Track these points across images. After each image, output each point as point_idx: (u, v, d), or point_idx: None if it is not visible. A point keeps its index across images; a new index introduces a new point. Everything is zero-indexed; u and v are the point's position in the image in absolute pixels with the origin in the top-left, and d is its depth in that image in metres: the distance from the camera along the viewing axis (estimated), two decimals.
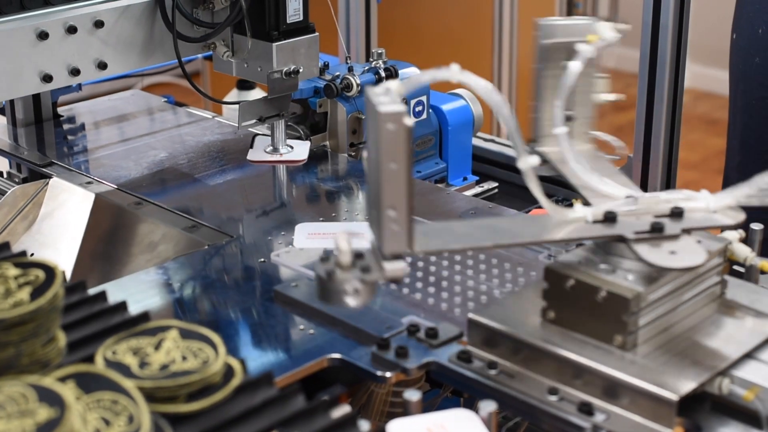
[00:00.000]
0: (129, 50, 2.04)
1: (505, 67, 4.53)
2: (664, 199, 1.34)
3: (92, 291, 1.29)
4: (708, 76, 6.26)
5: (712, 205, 1.32)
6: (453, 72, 1.28)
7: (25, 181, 2.17)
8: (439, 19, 4.63)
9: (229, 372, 1.12)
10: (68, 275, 1.81)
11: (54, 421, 0.92)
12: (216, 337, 1.15)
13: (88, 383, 1.04)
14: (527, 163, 1.30)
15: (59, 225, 1.90)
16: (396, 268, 1.23)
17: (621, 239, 1.33)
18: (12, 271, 1.15)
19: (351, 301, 1.24)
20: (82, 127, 2.32)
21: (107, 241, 1.86)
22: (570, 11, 5.43)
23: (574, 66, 1.35)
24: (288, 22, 2.06)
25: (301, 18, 2.09)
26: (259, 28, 2.06)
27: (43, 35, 1.90)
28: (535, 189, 1.31)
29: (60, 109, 2.36)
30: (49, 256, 1.84)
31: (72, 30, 1.94)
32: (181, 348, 1.13)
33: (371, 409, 1.58)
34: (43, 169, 2.06)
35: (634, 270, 1.32)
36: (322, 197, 2.00)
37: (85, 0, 2.00)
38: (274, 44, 2.05)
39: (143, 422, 1.00)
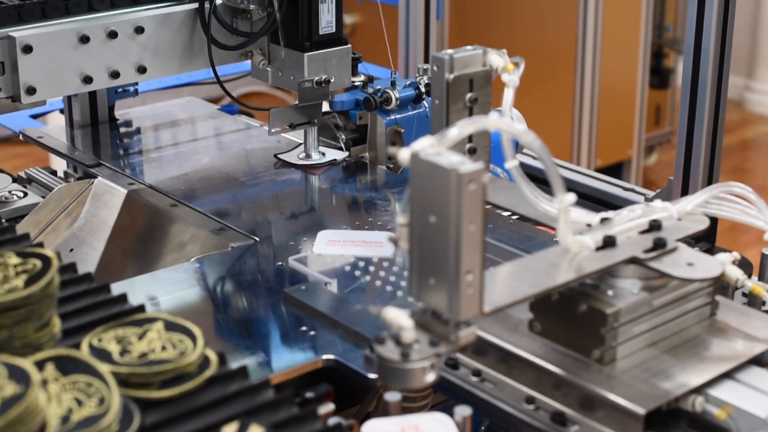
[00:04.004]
0: (168, 56, 2.13)
1: (587, 85, 4.55)
2: (635, 215, 1.37)
3: (101, 284, 1.37)
4: None
5: (675, 214, 1.35)
6: (491, 121, 1.26)
7: (79, 180, 2.28)
8: (517, 33, 4.66)
9: (205, 363, 1.18)
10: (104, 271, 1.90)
11: (17, 396, 0.99)
12: (198, 331, 1.21)
13: (67, 366, 1.11)
14: (566, 201, 1.29)
15: (100, 223, 1.99)
16: (469, 333, 1.20)
17: (634, 260, 1.35)
18: (13, 259, 1.23)
19: (431, 378, 1.20)
20: (137, 131, 2.42)
21: (141, 239, 1.95)
22: (660, 35, 5.43)
23: (508, 95, 1.40)
24: (320, 33, 2.14)
25: (334, 30, 2.16)
26: (293, 38, 2.15)
27: (84, 39, 2.00)
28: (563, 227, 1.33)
29: (117, 113, 2.46)
30: (87, 252, 1.94)
31: (113, 35, 2.04)
32: (163, 339, 1.20)
33: (379, 412, 1.63)
34: (91, 170, 2.16)
35: (618, 286, 1.35)
36: (354, 206, 2.06)
37: (127, 7, 2.10)
38: (306, 54, 2.13)
39: (112, 405, 1.07)
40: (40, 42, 1.95)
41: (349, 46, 2.18)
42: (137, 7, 2.10)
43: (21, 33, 1.93)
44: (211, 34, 2.13)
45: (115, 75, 2.05)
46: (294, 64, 2.14)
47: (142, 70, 2.08)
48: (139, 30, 2.07)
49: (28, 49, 1.93)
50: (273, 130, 2.16)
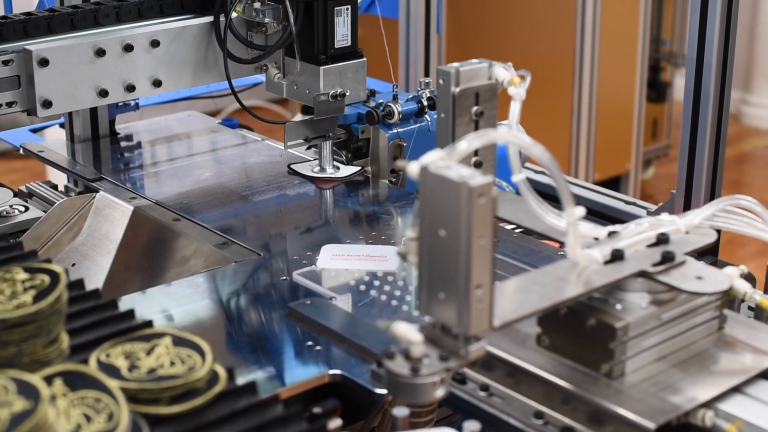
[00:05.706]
0: (183, 69, 2.13)
1: (585, 99, 4.55)
2: (642, 229, 1.37)
3: (109, 300, 1.36)
4: None
5: (682, 227, 1.35)
6: (500, 134, 1.27)
7: (80, 195, 2.27)
8: (515, 47, 4.67)
9: (214, 379, 1.18)
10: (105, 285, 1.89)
11: (27, 412, 0.98)
12: (206, 346, 1.20)
13: (75, 381, 1.11)
14: (575, 215, 1.29)
15: (102, 238, 1.98)
16: (479, 348, 1.19)
17: (643, 274, 1.35)
18: (21, 275, 1.22)
19: (440, 393, 1.19)
20: (138, 145, 2.42)
21: (144, 254, 1.94)
22: (657, 48, 5.44)
23: (515, 108, 1.40)
24: (336, 46, 2.13)
25: (349, 43, 2.15)
26: (308, 51, 2.14)
27: (100, 52, 2.00)
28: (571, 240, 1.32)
29: (117, 127, 2.46)
30: (89, 267, 1.93)
31: (128, 48, 2.03)
32: (171, 354, 1.19)
33: (384, 428, 1.62)
34: (93, 184, 2.16)
35: (627, 300, 1.34)
36: (357, 220, 2.05)
37: (142, 20, 2.10)
38: (321, 68, 2.12)
39: (121, 420, 1.06)
40: (56, 55, 1.94)
41: (365, 59, 2.16)
42: (150, 21, 2.10)
43: (37, 46, 1.93)
44: (227, 48, 2.12)
45: (130, 88, 2.04)
46: (309, 77, 2.13)
47: (157, 83, 2.08)
48: (155, 43, 2.06)
49: (44, 62, 1.93)
50: (289, 144, 2.15)
